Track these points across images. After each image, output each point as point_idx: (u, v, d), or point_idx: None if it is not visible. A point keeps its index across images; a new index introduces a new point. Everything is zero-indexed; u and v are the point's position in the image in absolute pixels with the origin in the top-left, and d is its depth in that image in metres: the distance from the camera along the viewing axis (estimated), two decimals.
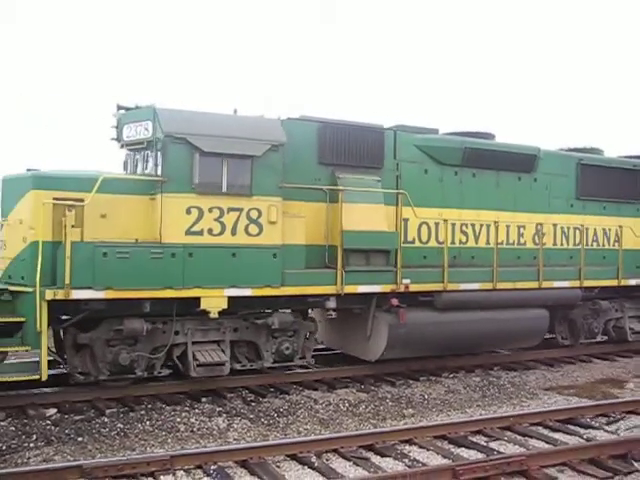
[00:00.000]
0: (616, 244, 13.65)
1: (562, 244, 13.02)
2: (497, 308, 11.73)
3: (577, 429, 8.27)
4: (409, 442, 7.61)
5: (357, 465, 6.90)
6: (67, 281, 8.33)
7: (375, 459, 7.15)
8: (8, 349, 8.33)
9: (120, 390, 9.28)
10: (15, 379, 8.32)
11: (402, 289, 10.79)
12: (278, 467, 6.85)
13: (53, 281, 8.52)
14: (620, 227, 13.56)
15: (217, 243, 9.23)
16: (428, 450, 7.39)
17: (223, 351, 9.63)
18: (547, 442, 7.71)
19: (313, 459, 7.01)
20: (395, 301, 10.77)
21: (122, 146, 9.92)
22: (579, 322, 13.34)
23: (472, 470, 6.42)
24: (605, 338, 14.08)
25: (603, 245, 13.60)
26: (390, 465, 6.96)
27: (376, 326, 10.94)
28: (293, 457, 7.07)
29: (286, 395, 9.72)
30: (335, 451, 7.25)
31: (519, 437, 7.91)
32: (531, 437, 7.92)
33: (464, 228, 11.83)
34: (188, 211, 9.08)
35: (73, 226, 8.68)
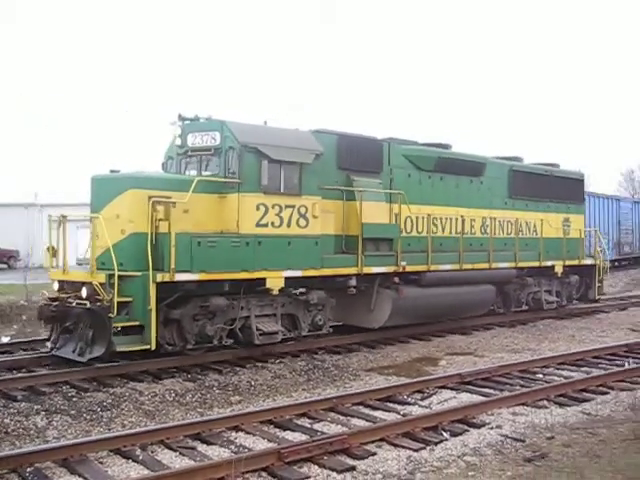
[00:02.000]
0: (535, 234, 16.68)
1: (499, 234, 15.77)
2: (462, 284, 14.22)
3: (395, 406, 8.41)
4: (236, 429, 7.30)
5: (183, 455, 6.55)
6: (173, 266, 9.59)
7: (202, 448, 6.80)
8: (119, 324, 9.43)
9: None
10: (133, 348, 9.46)
11: (401, 269, 12.93)
12: (101, 463, 6.39)
13: (147, 266, 9.68)
14: (541, 220, 16.60)
15: (278, 234, 10.83)
16: (254, 435, 7.16)
17: (275, 322, 11.24)
18: (367, 420, 7.76)
19: (138, 452, 6.57)
20: (397, 279, 12.90)
21: (185, 152, 11.17)
22: (511, 294, 16.20)
23: (296, 452, 6.34)
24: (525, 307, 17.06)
25: (527, 234, 16.57)
26: (217, 453, 6.66)
27: (380, 300, 12.98)
28: (117, 452, 6.60)
29: (110, 388, 9.02)
30: (161, 442, 6.83)
31: (342, 417, 7.91)
32: (353, 416, 7.93)
33: (435, 221, 14.15)
34: (258, 207, 10.60)
35: (161, 220, 9.93)
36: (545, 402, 8.59)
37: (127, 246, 9.82)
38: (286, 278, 10.99)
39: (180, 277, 9.73)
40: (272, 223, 10.80)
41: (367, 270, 12.29)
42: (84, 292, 9.50)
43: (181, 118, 11.23)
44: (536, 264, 16.34)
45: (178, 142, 11.18)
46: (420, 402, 8.62)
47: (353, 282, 12.29)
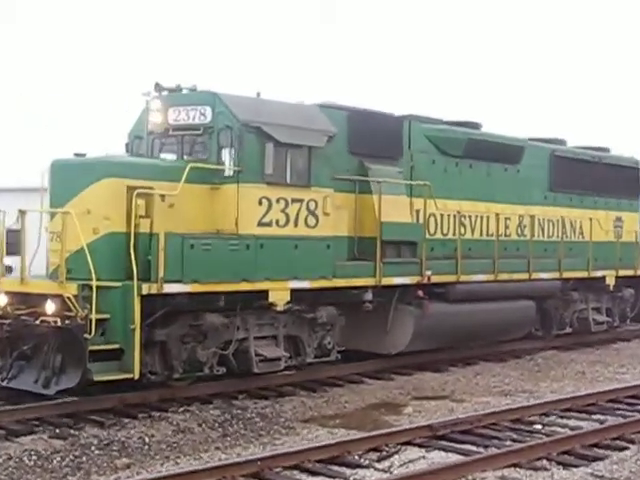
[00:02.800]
0: (582, 236, 18.04)
1: (540, 236, 17.04)
2: (497, 299, 15.42)
3: (343, 470, 8.34)
4: None
5: None
6: (161, 275, 10.44)
7: None
8: (96, 347, 10.23)
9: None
10: (112, 378, 10.27)
11: (425, 280, 14.04)
12: None
13: (129, 275, 10.53)
14: (589, 219, 17.97)
15: (283, 234, 11.78)
16: None
17: (277, 346, 12.19)
18: None
19: None
20: (421, 293, 14.01)
21: (165, 131, 12.02)
22: (552, 313, 17.50)
23: None
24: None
25: (572, 237, 17.91)
26: None
27: (399, 319, 14.04)
28: None
29: None
30: None
31: None
32: None
33: (464, 220, 15.30)
34: (260, 202, 11.54)
35: (142, 216, 10.79)
36: (545, 462, 8.60)
37: (100, 249, 10.60)
38: (292, 290, 11.95)
39: (169, 288, 10.58)
40: (277, 221, 11.74)
41: (387, 281, 13.34)
42: (50, 307, 10.23)
43: (159, 88, 12.06)
44: (584, 274, 17.70)
45: (157, 118, 12.00)
46: (376, 464, 8.54)
47: (369, 296, 13.32)
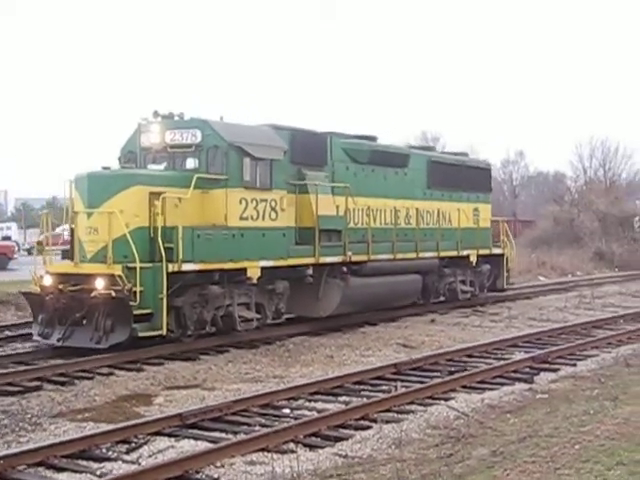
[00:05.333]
0: (451, 224, 23.13)
1: (422, 224, 21.94)
2: (395, 274, 20.16)
3: (90, 464, 8.36)
4: None
5: None
6: (181, 257, 14.35)
7: None
8: (139, 312, 13.98)
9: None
10: (150, 334, 14.07)
11: (348, 259, 18.55)
12: None
13: (152, 258, 14.37)
14: (457, 210, 23.09)
15: (255, 226, 15.92)
16: None
17: (251, 310, 16.31)
18: None
19: None
20: (345, 269, 18.51)
21: (163, 148, 15.83)
22: (430, 285, 22.45)
23: None
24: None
25: (444, 224, 22.96)
26: None
27: (328, 289, 18.45)
28: None
29: None
30: None
31: None
32: None
33: (371, 212, 19.90)
34: (240, 202, 15.62)
35: (157, 214, 14.67)
36: (292, 445, 8.97)
37: (134, 239, 14.32)
38: (262, 268, 16.11)
39: (185, 267, 14.52)
40: (251, 216, 15.89)
41: (322, 260, 17.74)
42: (100, 283, 13.93)
43: (157, 115, 15.89)
44: (454, 254, 22.80)
45: (155, 138, 15.81)
46: (125, 456, 8.66)
47: (310, 272, 17.68)
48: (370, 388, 12.10)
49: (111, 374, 13.17)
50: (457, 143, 61.44)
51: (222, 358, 14.83)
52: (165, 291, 14.25)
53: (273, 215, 16.46)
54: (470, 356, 14.84)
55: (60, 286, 14.48)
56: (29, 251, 44.16)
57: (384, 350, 15.97)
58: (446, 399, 11.35)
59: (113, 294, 13.81)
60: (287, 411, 10.68)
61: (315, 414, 10.35)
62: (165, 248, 14.30)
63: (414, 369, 13.40)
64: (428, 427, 9.94)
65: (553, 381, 12.73)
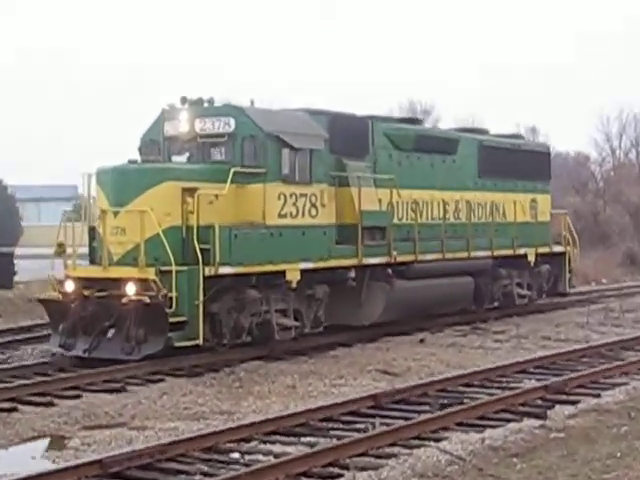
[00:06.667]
0: (505, 218, 24.92)
1: (473, 218, 23.72)
2: (445, 276, 21.96)
3: None
4: None
5: None
6: (217, 259, 16.16)
7: None
8: (174, 319, 15.74)
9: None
10: (187, 344, 15.87)
11: (392, 260, 20.36)
12: None
13: (185, 260, 16.18)
14: (513, 202, 24.88)
15: (295, 224, 17.73)
16: None
17: (289, 317, 18.12)
18: None
19: None
20: (390, 271, 20.33)
21: (193, 137, 17.63)
22: (483, 288, 24.24)
23: None
24: None
25: (498, 218, 24.75)
26: None
27: (371, 294, 20.25)
28: None
29: None
30: None
31: None
32: None
33: (418, 206, 21.69)
34: (279, 197, 17.43)
35: (190, 212, 16.48)
36: None
37: (162, 240, 16.15)
38: (302, 270, 17.92)
39: (222, 270, 16.33)
40: (290, 213, 17.69)
41: (365, 261, 19.54)
42: (131, 288, 15.72)
43: (185, 101, 17.68)
44: (510, 252, 24.59)
45: (184, 127, 17.60)
46: None
47: (352, 274, 19.50)
48: (342, 426, 11.95)
49: (14, 410, 13.08)
50: (453, 117, 60.82)
51: (155, 389, 14.82)
52: (202, 297, 16.07)
53: (313, 212, 18.27)
54: (468, 385, 14.68)
55: (86, 292, 16.29)
56: None
57: (360, 378, 15.80)
58: (437, 439, 11.11)
59: (147, 300, 15.63)
60: (236, 456, 10.55)
61: (272, 459, 10.14)
62: (201, 250, 16.13)
63: (397, 402, 13.27)
64: (414, 475, 9.72)
65: (571, 416, 12.51)
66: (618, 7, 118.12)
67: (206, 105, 17.83)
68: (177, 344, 15.87)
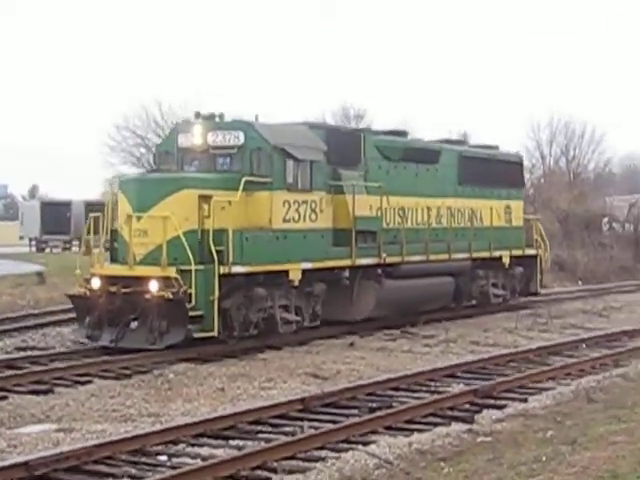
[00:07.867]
0: (482, 222, 26.96)
1: (453, 223, 25.73)
2: (428, 276, 23.95)
3: None
4: None
5: None
6: (231, 259, 18.03)
7: None
8: (193, 313, 17.59)
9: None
10: (204, 335, 17.73)
11: (382, 261, 22.31)
12: None
13: (201, 260, 18.04)
14: (490, 208, 26.92)
15: (297, 228, 19.64)
16: None
17: (290, 313, 20.02)
18: None
19: None
20: (379, 271, 22.29)
21: (205, 149, 19.50)
22: (462, 288, 26.24)
23: None
24: None
25: (476, 223, 26.78)
26: None
27: (362, 292, 22.18)
28: None
29: None
30: None
31: None
32: None
33: (405, 212, 23.65)
34: (284, 204, 19.34)
35: (205, 217, 18.35)
36: None
37: (181, 242, 17.98)
38: (303, 270, 19.82)
39: (235, 269, 18.20)
40: (293, 218, 19.61)
41: (358, 262, 21.48)
42: (154, 285, 17.55)
43: (199, 116, 19.56)
44: (487, 255, 26.64)
45: (198, 140, 19.46)
46: None
47: (346, 274, 21.44)
48: (270, 429, 12.09)
49: None
50: (387, 121, 61.22)
51: (83, 391, 14.84)
52: (217, 293, 17.94)
53: (313, 216, 20.20)
54: (396, 389, 14.85)
55: (112, 288, 18.10)
56: None
57: (289, 381, 15.94)
58: (365, 443, 11.33)
59: (170, 296, 17.47)
60: (164, 458, 10.63)
61: (199, 462, 10.26)
62: (216, 251, 17.99)
63: (326, 405, 13.47)
64: (342, 478, 9.98)
65: (498, 420, 12.77)
66: (553, 11, 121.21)
67: (217, 120, 19.71)
68: (195, 335, 17.74)
